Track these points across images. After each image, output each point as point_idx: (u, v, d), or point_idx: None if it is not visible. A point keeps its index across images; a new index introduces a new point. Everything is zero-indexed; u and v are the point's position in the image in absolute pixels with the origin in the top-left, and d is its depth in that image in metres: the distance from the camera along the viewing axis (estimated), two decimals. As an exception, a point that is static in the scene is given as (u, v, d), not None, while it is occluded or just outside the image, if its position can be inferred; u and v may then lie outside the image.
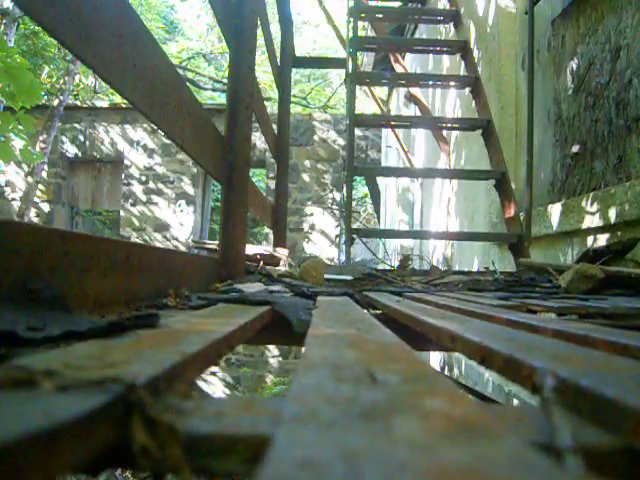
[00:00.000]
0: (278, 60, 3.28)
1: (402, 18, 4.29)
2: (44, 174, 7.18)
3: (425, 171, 4.22)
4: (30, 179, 6.52)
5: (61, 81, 7.12)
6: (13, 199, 7.48)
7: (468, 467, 0.17)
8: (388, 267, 2.71)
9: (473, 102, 2.89)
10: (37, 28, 8.72)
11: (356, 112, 2.84)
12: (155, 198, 7.53)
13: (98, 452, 0.22)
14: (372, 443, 0.19)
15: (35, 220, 7.25)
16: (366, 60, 6.69)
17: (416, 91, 4.63)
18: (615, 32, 2.08)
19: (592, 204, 1.94)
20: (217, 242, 1.71)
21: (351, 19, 3.38)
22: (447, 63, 4.18)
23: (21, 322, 0.43)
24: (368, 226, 10.49)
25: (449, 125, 3.03)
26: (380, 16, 3.80)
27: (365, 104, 12.22)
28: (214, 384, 6.78)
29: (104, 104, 7.82)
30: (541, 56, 2.79)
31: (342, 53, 7.30)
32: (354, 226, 2.74)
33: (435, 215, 4.72)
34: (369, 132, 7.82)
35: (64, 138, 7.59)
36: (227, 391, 6.75)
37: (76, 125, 7.63)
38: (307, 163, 7.63)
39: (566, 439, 0.24)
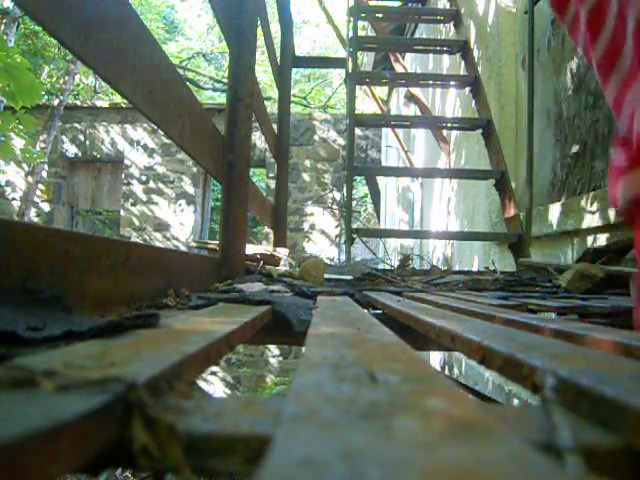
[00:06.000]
0: (278, 60, 3.28)
1: (402, 18, 4.29)
2: (44, 174, 7.18)
3: (425, 171, 4.22)
4: (30, 179, 6.52)
5: (61, 81, 7.11)
6: (13, 199, 7.48)
7: (468, 466, 0.17)
8: (388, 267, 2.71)
9: (473, 102, 2.89)
10: (37, 28, 8.71)
11: (356, 112, 2.84)
12: (155, 198, 7.53)
13: (98, 452, 0.22)
14: (372, 442, 0.19)
15: (35, 220, 7.25)
16: (366, 60, 6.69)
17: (416, 91, 4.63)
18: (615, 32, 2.08)
19: (592, 204, 1.94)
20: (217, 242, 1.71)
21: (351, 19, 3.38)
22: (447, 63, 4.18)
23: (21, 322, 0.43)
24: (368, 226, 10.48)
25: (449, 125, 3.03)
26: (380, 16, 3.80)
27: (365, 104, 12.22)
28: (214, 384, 6.78)
29: (104, 104, 7.82)
30: (541, 56, 2.79)
31: (342, 53, 7.30)
32: (354, 226, 2.74)
33: (435, 214, 4.72)
34: (369, 132, 7.82)
35: (64, 138, 7.59)
36: (227, 391, 6.75)
37: (76, 125, 7.63)
38: (307, 163, 7.63)
39: (566, 439, 0.24)
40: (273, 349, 6.72)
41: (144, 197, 7.53)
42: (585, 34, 0.75)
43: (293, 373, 0.35)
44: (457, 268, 3.38)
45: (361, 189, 12.12)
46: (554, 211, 2.25)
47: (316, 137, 7.67)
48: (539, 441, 0.24)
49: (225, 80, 7.60)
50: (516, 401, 2.23)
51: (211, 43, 14.28)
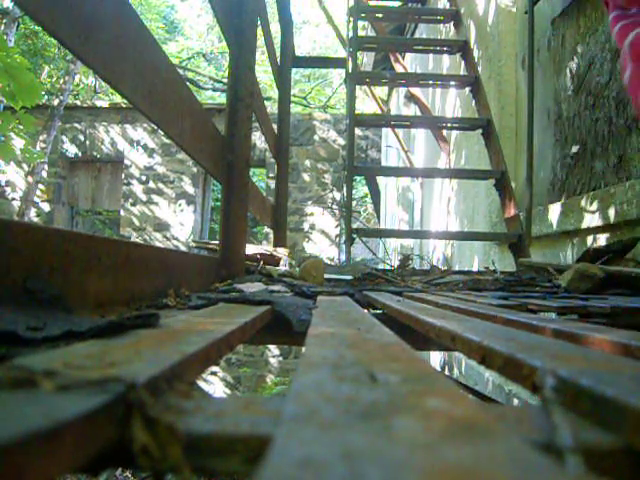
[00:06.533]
0: (278, 60, 3.28)
1: (402, 18, 4.29)
2: (44, 174, 7.18)
3: (425, 171, 4.22)
4: (30, 179, 6.52)
5: (61, 81, 7.12)
6: (13, 199, 7.48)
7: (468, 466, 0.17)
8: (388, 267, 2.71)
9: (473, 102, 2.89)
10: (37, 28, 8.71)
11: (356, 112, 2.84)
12: (155, 198, 7.53)
13: (98, 452, 0.22)
14: (372, 442, 0.19)
15: (35, 220, 7.25)
16: (366, 60, 6.69)
17: (416, 91, 4.63)
18: (615, 32, 2.08)
19: (592, 204, 1.94)
20: (217, 242, 1.71)
21: (351, 19, 3.38)
22: (447, 63, 4.18)
23: (21, 322, 0.43)
24: (368, 226, 10.48)
25: (449, 125, 3.03)
26: (380, 16, 3.80)
27: (365, 104, 12.22)
28: (214, 384, 6.78)
29: (104, 104, 7.82)
30: (541, 56, 2.79)
31: (342, 53, 7.30)
32: (354, 226, 2.74)
33: (435, 214, 4.72)
34: (369, 132, 7.81)
35: (64, 138, 7.59)
36: (227, 391, 6.75)
37: (76, 125, 7.63)
38: (307, 163, 7.63)
39: (566, 439, 0.24)
40: (273, 349, 6.72)
41: (144, 197, 7.53)
42: None
43: (293, 373, 0.35)
44: (457, 268, 3.38)
45: (361, 189, 12.12)
46: (554, 211, 2.25)
47: (316, 137, 7.67)
48: (539, 441, 0.24)
49: (225, 80, 7.60)
50: (516, 401, 2.23)
51: (211, 43, 14.28)
